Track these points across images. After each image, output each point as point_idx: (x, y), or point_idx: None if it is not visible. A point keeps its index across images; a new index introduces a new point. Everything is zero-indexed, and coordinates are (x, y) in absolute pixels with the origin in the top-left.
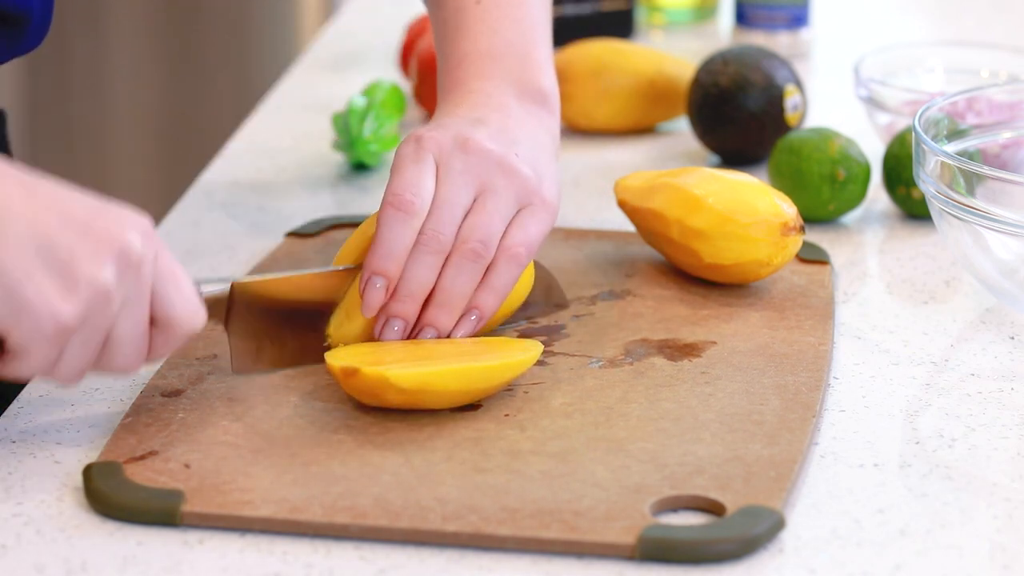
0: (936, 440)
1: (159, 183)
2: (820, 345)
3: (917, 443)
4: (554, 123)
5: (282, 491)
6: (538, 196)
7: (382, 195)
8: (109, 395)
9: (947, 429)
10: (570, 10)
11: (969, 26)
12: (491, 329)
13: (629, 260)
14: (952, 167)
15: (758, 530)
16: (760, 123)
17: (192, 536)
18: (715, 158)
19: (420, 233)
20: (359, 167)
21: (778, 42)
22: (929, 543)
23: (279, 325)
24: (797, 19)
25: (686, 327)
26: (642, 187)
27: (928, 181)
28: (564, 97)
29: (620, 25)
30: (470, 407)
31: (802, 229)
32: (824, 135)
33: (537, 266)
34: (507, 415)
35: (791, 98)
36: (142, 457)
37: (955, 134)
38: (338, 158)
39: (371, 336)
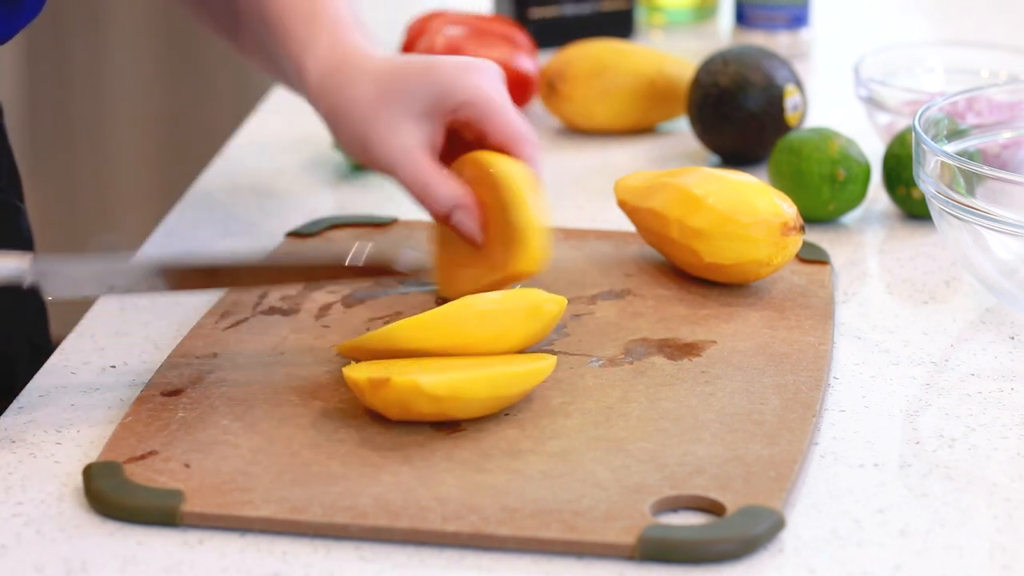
0: (936, 440)
1: (159, 183)
2: (820, 345)
3: (917, 443)
4: None
5: (282, 491)
6: None
7: (380, 196)
8: (109, 395)
9: (947, 429)
10: (570, 10)
11: (969, 26)
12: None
13: (629, 260)
14: (952, 167)
15: (758, 530)
16: (760, 123)
17: (192, 536)
18: (715, 158)
19: None
20: (359, 167)
21: (778, 42)
22: (929, 543)
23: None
24: (797, 19)
25: (686, 327)
26: (642, 187)
27: (928, 181)
28: (564, 97)
29: (620, 25)
30: None
31: (802, 229)
32: (824, 135)
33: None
34: (507, 414)
35: (791, 98)
36: (142, 457)
37: (955, 134)
38: (338, 158)
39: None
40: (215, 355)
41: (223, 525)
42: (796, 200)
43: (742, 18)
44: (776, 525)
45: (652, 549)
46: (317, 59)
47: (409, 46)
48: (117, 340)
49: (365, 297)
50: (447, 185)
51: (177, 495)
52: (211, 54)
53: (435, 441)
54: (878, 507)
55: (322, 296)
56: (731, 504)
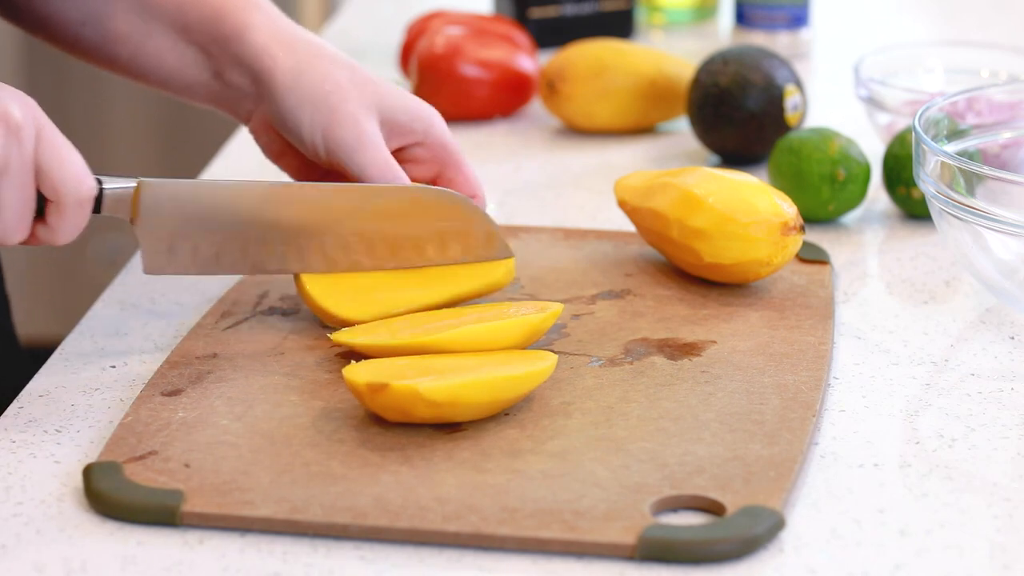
0: (936, 440)
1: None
2: (820, 345)
3: (917, 443)
4: None
5: (282, 491)
6: None
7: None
8: (109, 395)
9: (947, 429)
10: (570, 10)
11: (969, 26)
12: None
13: (629, 260)
14: (952, 167)
15: (758, 530)
16: (760, 123)
17: (192, 536)
18: (715, 158)
19: None
20: None
21: (778, 42)
22: (929, 543)
23: (193, 229)
24: (797, 19)
25: (686, 326)
26: (642, 187)
27: (928, 181)
28: (564, 97)
29: (620, 25)
30: None
31: (802, 229)
32: (824, 135)
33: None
34: (506, 414)
35: (791, 98)
36: (142, 457)
37: (955, 134)
38: None
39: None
40: (215, 355)
41: (223, 525)
42: (796, 200)
43: (742, 18)
44: (776, 525)
45: (652, 549)
46: (260, 32)
47: (409, 46)
48: (117, 340)
49: None
50: (403, 172)
51: (177, 495)
52: None
53: (435, 441)
54: (878, 507)
55: None
56: (731, 504)
